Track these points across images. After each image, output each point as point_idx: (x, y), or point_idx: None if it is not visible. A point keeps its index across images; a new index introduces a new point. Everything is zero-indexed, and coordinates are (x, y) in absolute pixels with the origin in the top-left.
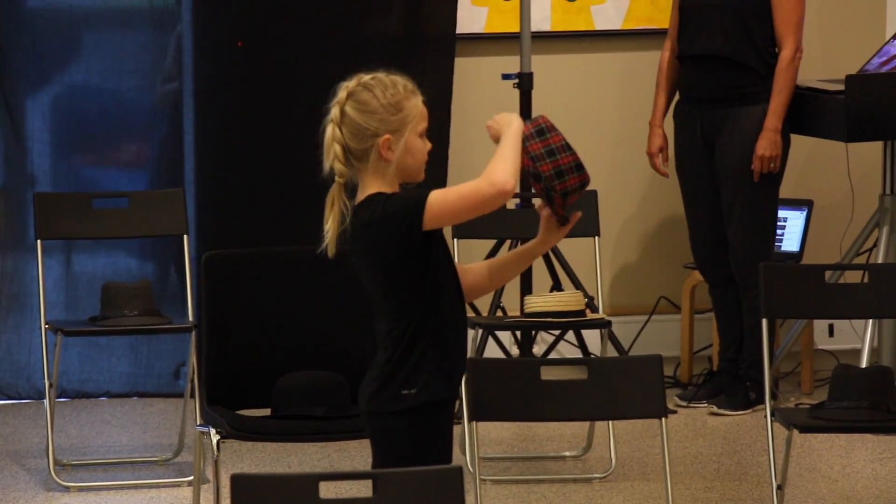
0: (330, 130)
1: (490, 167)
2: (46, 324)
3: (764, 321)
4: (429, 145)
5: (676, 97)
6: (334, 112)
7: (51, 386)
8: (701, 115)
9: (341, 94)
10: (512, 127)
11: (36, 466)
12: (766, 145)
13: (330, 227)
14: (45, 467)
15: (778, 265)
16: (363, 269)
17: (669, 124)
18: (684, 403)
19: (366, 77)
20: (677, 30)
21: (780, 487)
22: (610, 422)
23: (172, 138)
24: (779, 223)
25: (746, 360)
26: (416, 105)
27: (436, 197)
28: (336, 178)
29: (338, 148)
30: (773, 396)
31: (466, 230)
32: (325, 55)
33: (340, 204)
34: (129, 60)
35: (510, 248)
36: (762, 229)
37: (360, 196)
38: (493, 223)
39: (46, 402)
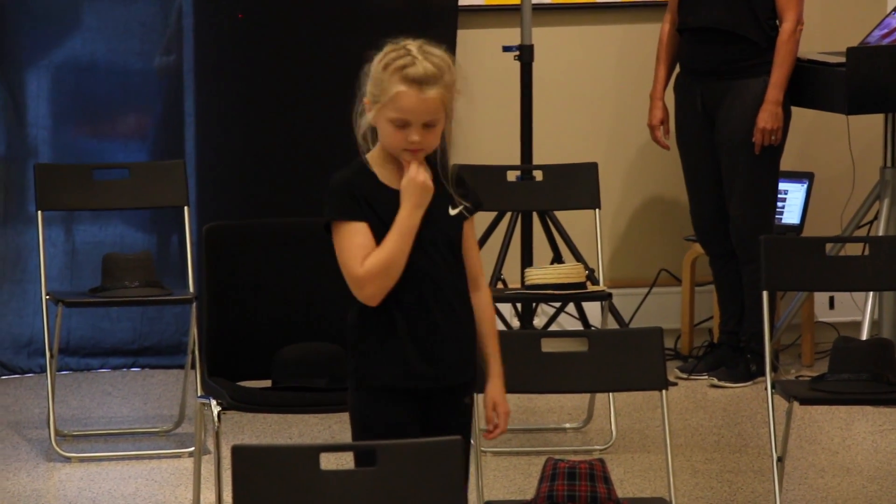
0: None
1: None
2: (47, 294)
3: (764, 293)
4: (413, 137)
5: (677, 70)
6: None
7: (52, 356)
8: (702, 88)
9: None
10: (410, 201)
11: (37, 437)
12: (767, 118)
13: None
14: (46, 438)
15: (778, 238)
16: None
17: (670, 96)
18: (685, 376)
19: (400, 42)
20: (678, 2)
21: (780, 459)
22: (610, 394)
23: (173, 110)
24: (779, 196)
25: (747, 332)
26: (395, 91)
27: (336, 231)
28: None
29: None
30: (774, 368)
31: None
32: (326, 28)
33: None
34: (130, 32)
35: (511, 222)
36: (763, 202)
37: None
38: (493, 195)
39: (47, 372)
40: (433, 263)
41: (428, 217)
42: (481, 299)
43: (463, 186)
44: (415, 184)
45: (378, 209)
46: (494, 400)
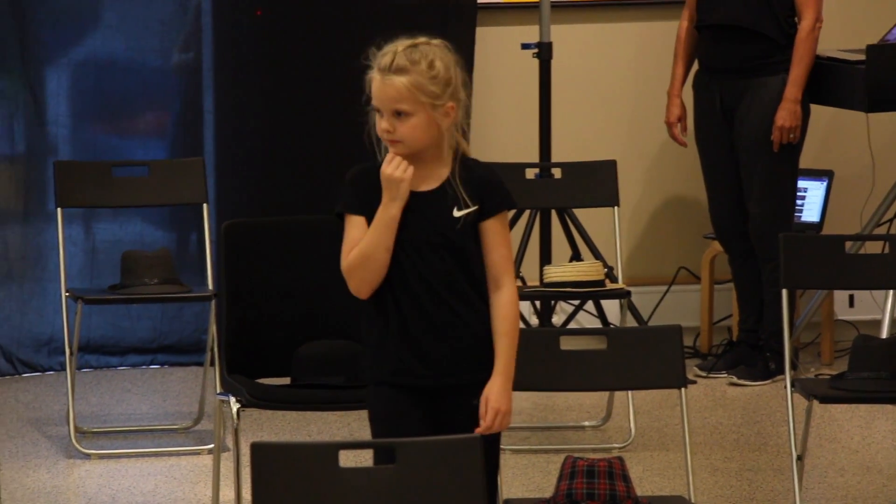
0: None
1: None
2: (67, 292)
3: (784, 292)
4: (382, 124)
5: (695, 67)
6: None
7: (71, 354)
8: (720, 86)
9: None
10: (386, 194)
11: (57, 434)
12: (785, 116)
13: None
14: (66, 435)
15: (798, 236)
16: None
17: (688, 94)
18: (704, 374)
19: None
20: None
21: (799, 458)
22: (629, 392)
23: (192, 107)
24: (799, 193)
25: (766, 330)
26: (369, 78)
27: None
28: None
29: None
30: (793, 367)
31: None
32: (345, 25)
33: None
34: (149, 30)
35: (529, 220)
36: (782, 200)
37: None
38: (512, 193)
39: (67, 369)
40: (428, 265)
41: (426, 218)
42: (500, 298)
43: (484, 187)
44: (385, 176)
45: (377, 205)
46: (487, 395)
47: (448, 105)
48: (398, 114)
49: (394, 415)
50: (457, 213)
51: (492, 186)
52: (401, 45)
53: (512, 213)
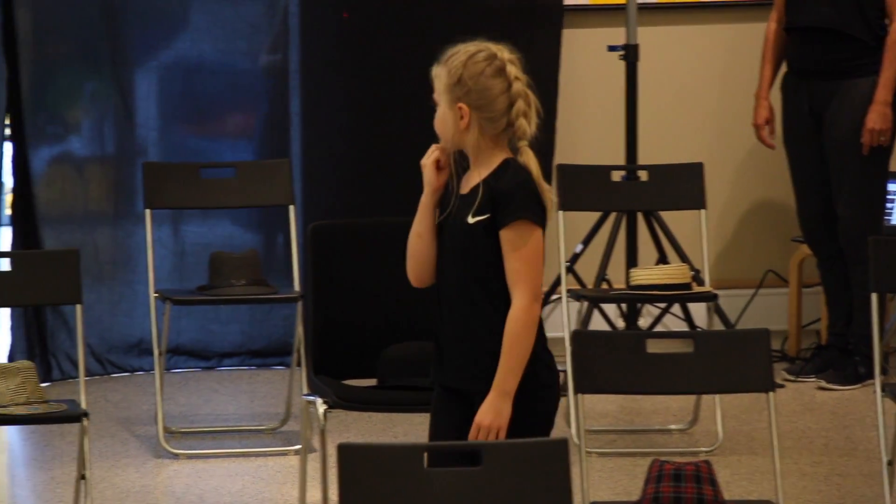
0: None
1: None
2: (155, 293)
3: (873, 295)
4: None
5: (783, 69)
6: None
7: (160, 354)
8: (809, 88)
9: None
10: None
11: (145, 434)
12: (876, 118)
13: None
14: (155, 435)
15: (888, 238)
16: None
17: (776, 96)
18: (792, 378)
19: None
20: (784, 1)
21: (890, 463)
22: (716, 395)
23: (279, 109)
24: (889, 196)
25: (855, 334)
26: None
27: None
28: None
29: None
30: (883, 371)
31: (571, 202)
32: (431, 27)
33: None
34: (237, 32)
35: (615, 222)
36: (871, 203)
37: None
38: (597, 195)
39: (155, 370)
40: (441, 270)
41: (453, 222)
42: (509, 311)
43: (501, 196)
44: (422, 164)
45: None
46: (477, 416)
47: (458, 105)
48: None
49: (434, 413)
50: (470, 220)
51: (508, 196)
52: (464, 45)
53: (528, 226)
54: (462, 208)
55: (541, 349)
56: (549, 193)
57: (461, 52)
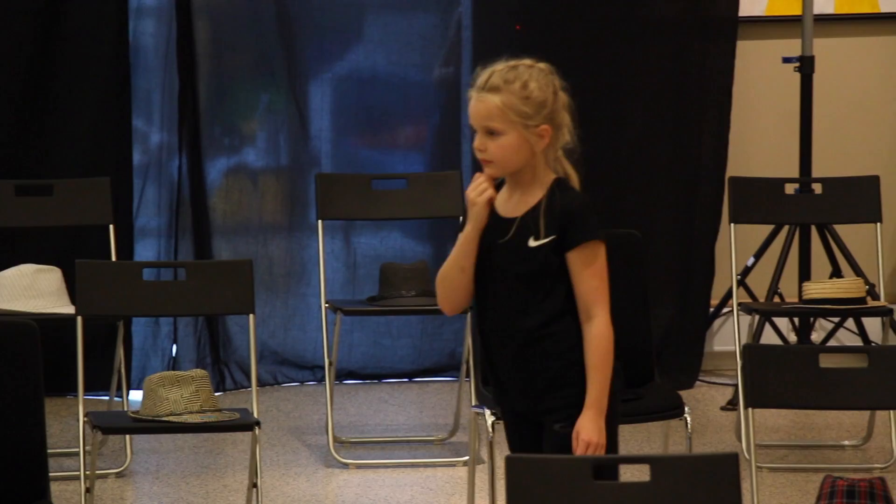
0: None
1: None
2: (326, 303)
3: None
4: (475, 142)
5: None
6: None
7: (330, 364)
8: None
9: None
10: (468, 215)
11: (316, 443)
12: None
13: None
14: (325, 444)
15: None
16: None
17: None
18: None
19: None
20: None
21: None
22: (891, 412)
23: (450, 121)
24: None
25: None
26: (468, 97)
27: None
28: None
29: None
30: None
31: (743, 215)
32: (604, 38)
33: None
34: (410, 45)
35: (788, 235)
36: None
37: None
38: (770, 208)
39: (326, 380)
40: (496, 295)
41: (508, 245)
42: (590, 331)
43: (565, 217)
44: (467, 198)
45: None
46: (578, 428)
47: (541, 127)
48: (490, 133)
49: (508, 439)
50: (532, 244)
51: (572, 216)
52: (500, 65)
53: (597, 244)
54: (520, 231)
55: None
56: None
57: (518, 72)
